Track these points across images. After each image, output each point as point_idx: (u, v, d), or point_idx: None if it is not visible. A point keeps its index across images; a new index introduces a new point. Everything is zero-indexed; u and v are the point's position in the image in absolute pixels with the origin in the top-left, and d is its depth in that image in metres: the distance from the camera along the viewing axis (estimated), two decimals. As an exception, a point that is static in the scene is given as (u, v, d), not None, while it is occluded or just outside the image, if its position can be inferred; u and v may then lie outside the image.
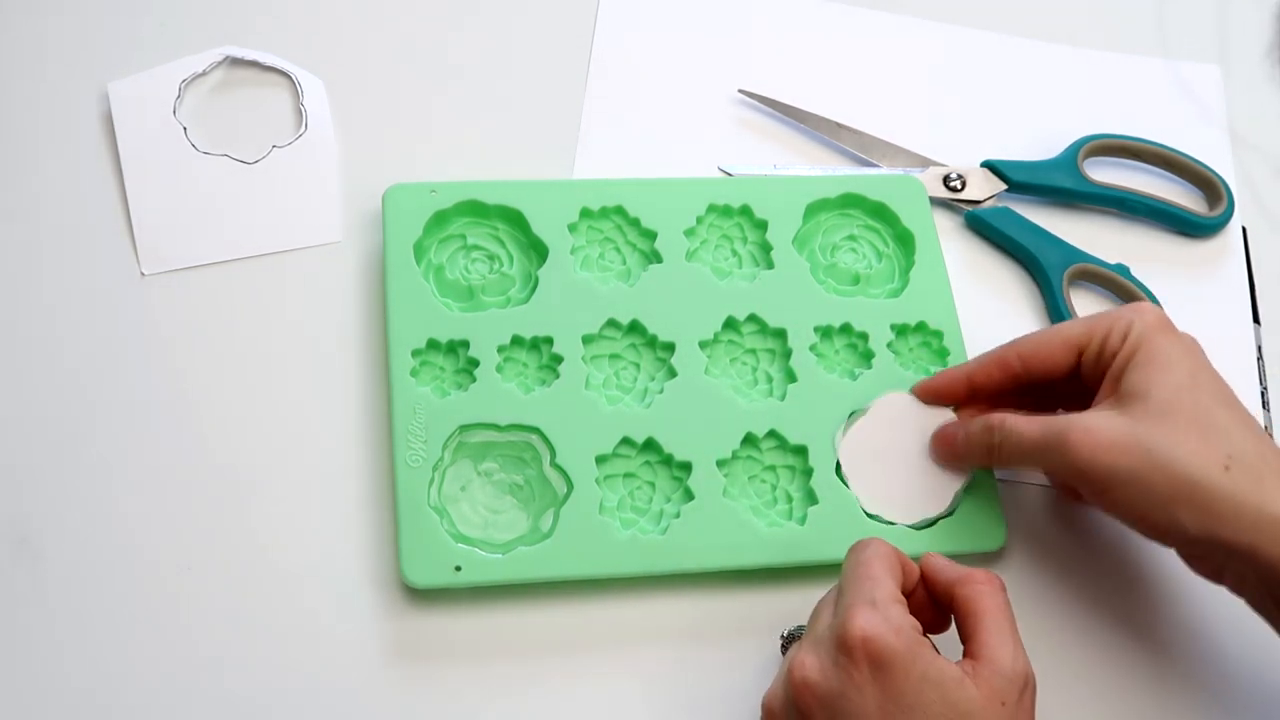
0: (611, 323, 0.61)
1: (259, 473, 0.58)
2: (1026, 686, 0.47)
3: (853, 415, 0.60)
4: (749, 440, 0.59)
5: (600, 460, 0.58)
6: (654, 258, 0.63)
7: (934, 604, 0.51)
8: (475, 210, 0.64)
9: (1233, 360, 0.65)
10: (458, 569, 0.55)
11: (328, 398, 0.60)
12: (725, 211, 0.66)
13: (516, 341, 0.60)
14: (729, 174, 0.69)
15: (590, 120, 0.70)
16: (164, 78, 0.67)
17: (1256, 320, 0.68)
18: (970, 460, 0.58)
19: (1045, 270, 0.67)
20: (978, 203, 0.69)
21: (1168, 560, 0.60)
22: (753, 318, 0.63)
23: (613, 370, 0.61)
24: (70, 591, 0.55)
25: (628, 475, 0.58)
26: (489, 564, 0.55)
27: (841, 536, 0.54)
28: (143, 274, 0.63)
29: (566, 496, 0.57)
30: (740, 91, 0.72)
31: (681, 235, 0.64)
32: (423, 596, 0.55)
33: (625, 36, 0.73)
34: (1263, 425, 0.65)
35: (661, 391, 0.60)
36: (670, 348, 0.61)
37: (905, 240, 0.66)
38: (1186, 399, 0.52)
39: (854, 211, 0.67)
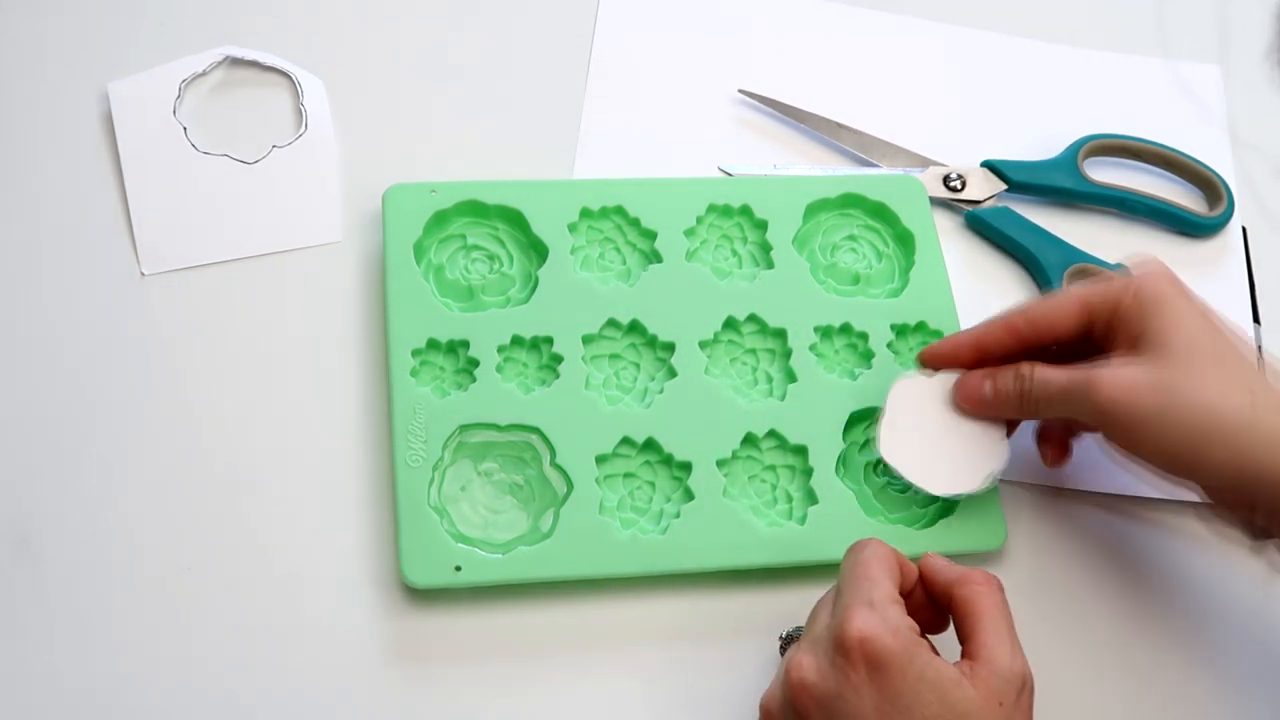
0: (611, 323, 0.61)
1: (259, 473, 0.58)
2: (1024, 687, 0.47)
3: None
4: (749, 440, 0.59)
5: (600, 460, 0.58)
6: (654, 258, 0.63)
7: (932, 604, 0.51)
8: (475, 210, 0.64)
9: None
10: (458, 569, 0.55)
11: (328, 398, 0.60)
12: (725, 211, 0.66)
13: (516, 341, 0.60)
14: (729, 174, 0.69)
15: (590, 120, 0.70)
16: (164, 78, 0.67)
17: (1256, 320, 0.68)
18: (1000, 409, 0.57)
19: (1045, 270, 0.67)
20: (978, 203, 0.69)
21: (1168, 560, 0.60)
22: (753, 318, 0.63)
23: (613, 370, 0.61)
24: (70, 591, 0.55)
25: (628, 475, 0.58)
26: (489, 564, 0.55)
27: (841, 536, 0.54)
28: (143, 274, 0.63)
29: (566, 496, 0.57)
30: (740, 91, 0.72)
31: (681, 235, 0.64)
32: (423, 596, 0.55)
33: (625, 36, 0.73)
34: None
35: (661, 391, 0.60)
36: (670, 348, 0.61)
37: (905, 240, 0.66)
38: (1205, 340, 0.53)
39: (854, 211, 0.67)
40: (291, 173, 0.66)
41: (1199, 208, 0.71)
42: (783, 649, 0.54)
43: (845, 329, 0.63)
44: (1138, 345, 0.54)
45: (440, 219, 0.63)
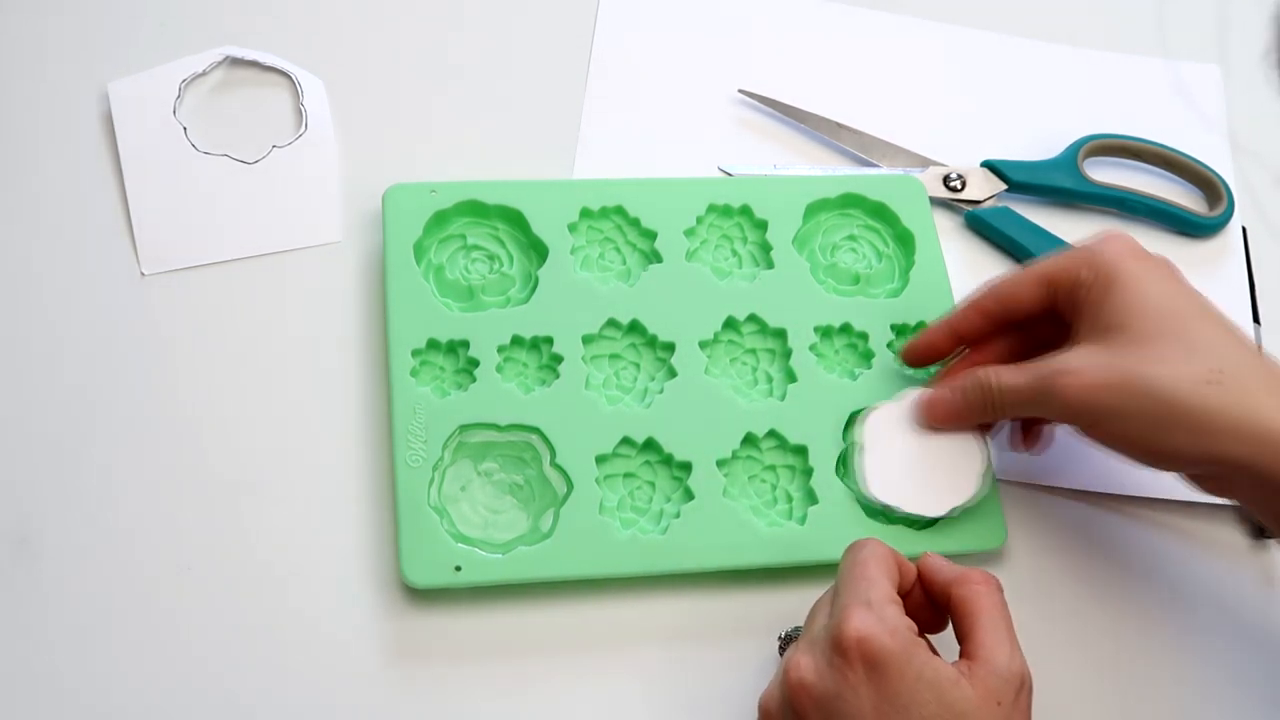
0: (611, 323, 0.61)
1: (259, 473, 0.58)
2: (1023, 686, 0.47)
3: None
4: (749, 440, 0.59)
5: (600, 460, 0.58)
6: (654, 258, 0.63)
7: (931, 604, 0.51)
8: (475, 210, 0.64)
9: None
10: (458, 569, 0.55)
11: (328, 398, 0.60)
12: (725, 211, 0.66)
13: (516, 341, 0.60)
14: (729, 174, 0.69)
15: (590, 120, 0.70)
16: (164, 78, 0.67)
17: (1256, 320, 0.68)
18: (971, 417, 0.58)
19: (1045, 270, 0.67)
20: (978, 203, 0.69)
21: (1168, 560, 0.60)
22: (753, 318, 0.63)
23: (613, 370, 0.61)
24: (70, 591, 0.55)
25: (628, 475, 0.58)
26: (489, 564, 0.55)
27: (841, 536, 0.54)
28: (143, 274, 0.63)
29: (566, 496, 0.57)
30: (740, 91, 0.72)
31: (681, 235, 0.64)
32: (423, 596, 0.55)
33: (625, 36, 0.73)
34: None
35: (661, 391, 0.60)
36: (670, 348, 0.61)
37: (905, 240, 0.66)
38: (1166, 320, 0.52)
39: (854, 211, 0.67)
40: (291, 173, 0.66)
41: (1199, 208, 0.71)
42: (782, 649, 0.54)
43: (845, 329, 0.63)
44: (1097, 324, 0.53)
45: (440, 219, 0.63)
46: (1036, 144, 0.72)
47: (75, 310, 0.61)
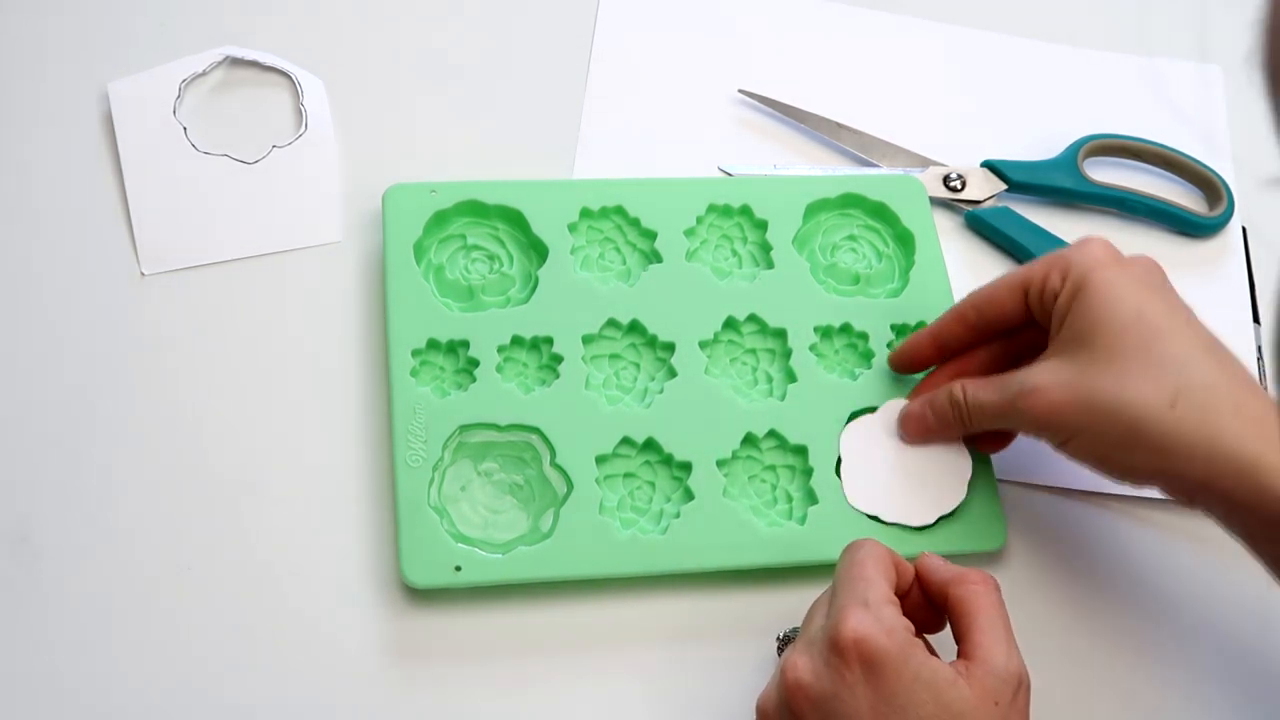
0: (611, 323, 0.61)
1: (259, 473, 0.58)
2: (1020, 686, 0.47)
3: (854, 417, 0.60)
4: (749, 440, 0.59)
5: (600, 460, 0.58)
6: (654, 258, 0.63)
7: (929, 604, 0.51)
8: (475, 210, 0.64)
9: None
10: (458, 569, 0.54)
11: (328, 398, 0.60)
12: (725, 211, 0.66)
13: (516, 341, 0.60)
14: (729, 174, 0.69)
15: (590, 120, 0.70)
16: (164, 78, 0.67)
17: (1256, 320, 0.68)
18: (944, 432, 0.58)
19: (1045, 270, 0.67)
20: (978, 203, 0.69)
21: (1168, 560, 0.60)
22: (753, 318, 0.63)
23: (613, 370, 0.61)
24: (70, 591, 0.55)
25: (628, 475, 0.58)
26: (489, 564, 0.55)
27: (841, 536, 0.54)
28: (143, 274, 0.63)
29: (566, 496, 0.57)
30: (740, 91, 0.72)
31: (681, 235, 0.64)
32: (423, 596, 0.55)
33: (625, 36, 0.73)
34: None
35: (661, 391, 0.60)
36: (670, 348, 0.61)
37: (905, 240, 0.66)
38: (1131, 337, 0.52)
39: (854, 211, 0.67)
40: (291, 173, 0.66)
41: (1199, 208, 0.71)
42: (780, 649, 0.54)
43: (845, 329, 0.63)
44: (1066, 334, 0.53)
45: (440, 219, 0.63)
46: (1036, 144, 0.72)
47: (75, 310, 0.61)
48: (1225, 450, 0.49)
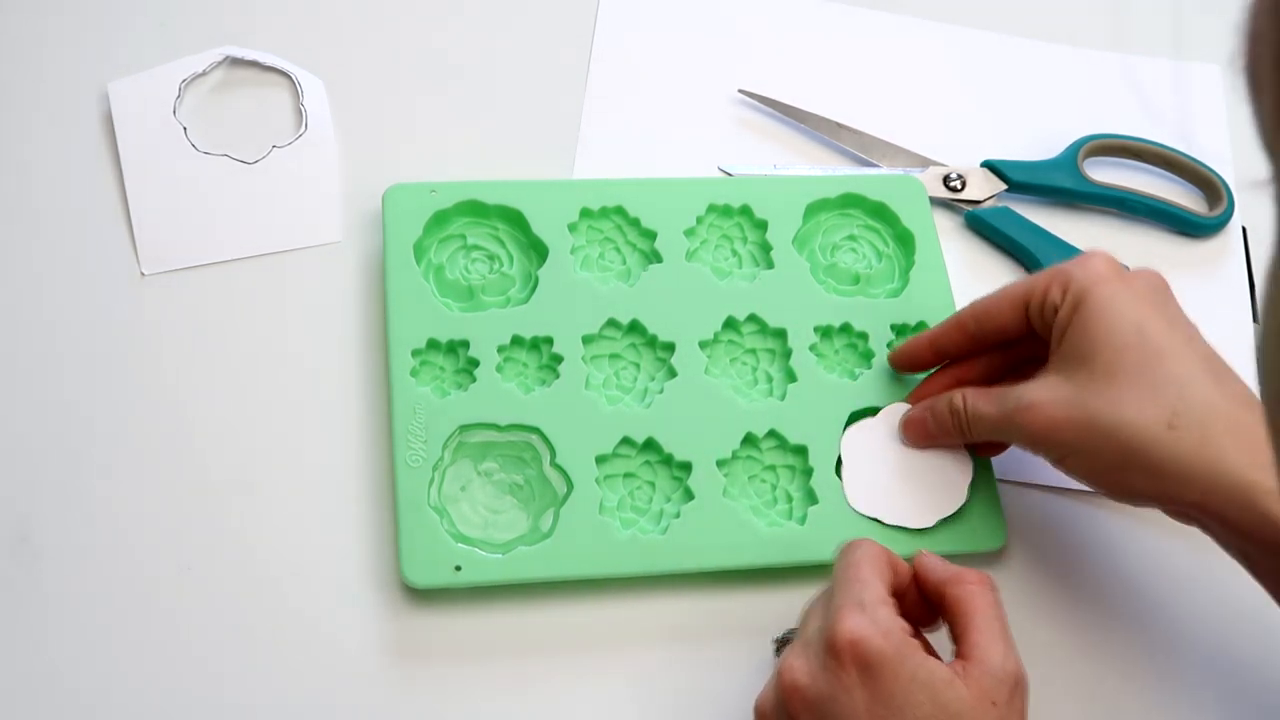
0: (611, 323, 0.61)
1: (259, 473, 0.58)
2: (1017, 686, 0.47)
3: (854, 417, 0.60)
4: (749, 440, 0.59)
5: (600, 460, 0.58)
6: (654, 258, 0.63)
7: (926, 602, 0.51)
8: (475, 210, 0.64)
9: (1232, 360, 0.65)
10: (458, 569, 0.54)
11: (328, 398, 0.60)
12: (725, 211, 0.66)
13: (516, 341, 0.60)
14: (729, 174, 0.69)
15: (590, 120, 0.70)
16: (164, 78, 0.67)
17: (1256, 320, 0.68)
18: (943, 438, 0.58)
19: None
20: (978, 203, 0.69)
21: (1168, 561, 0.60)
22: (753, 318, 0.63)
23: (613, 370, 0.61)
24: (70, 591, 0.55)
25: (628, 475, 0.58)
26: (489, 564, 0.55)
27: (841, 537, 0.54)
28: (143, 274, 0.63)
29: (566, 496, 0.57)
30: (740, 91, 0.72)
31: (681, 235, 0.64)
32: (423, 596, 0.55)
33: (625, 36, 0.73)
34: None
35: (661, 391, 0.60)
36: (670, 348, 0.61)
37: (905, 240, 0.66)
38: (1131, 356, 0.51)
39: (854, 211, 0.67)
40: (291, 173, 0.66)
41: (1199, 208, 0.71)
42: (777, 651, 0.54)
43: (845, 329, 0.63)
44: (1065, 350, 0.53)
45: (440, 219, 0.63)
46: (1036, 144, 0.72)
47: (75, 310, 0.61)
48: (1223, 474, 0.49)
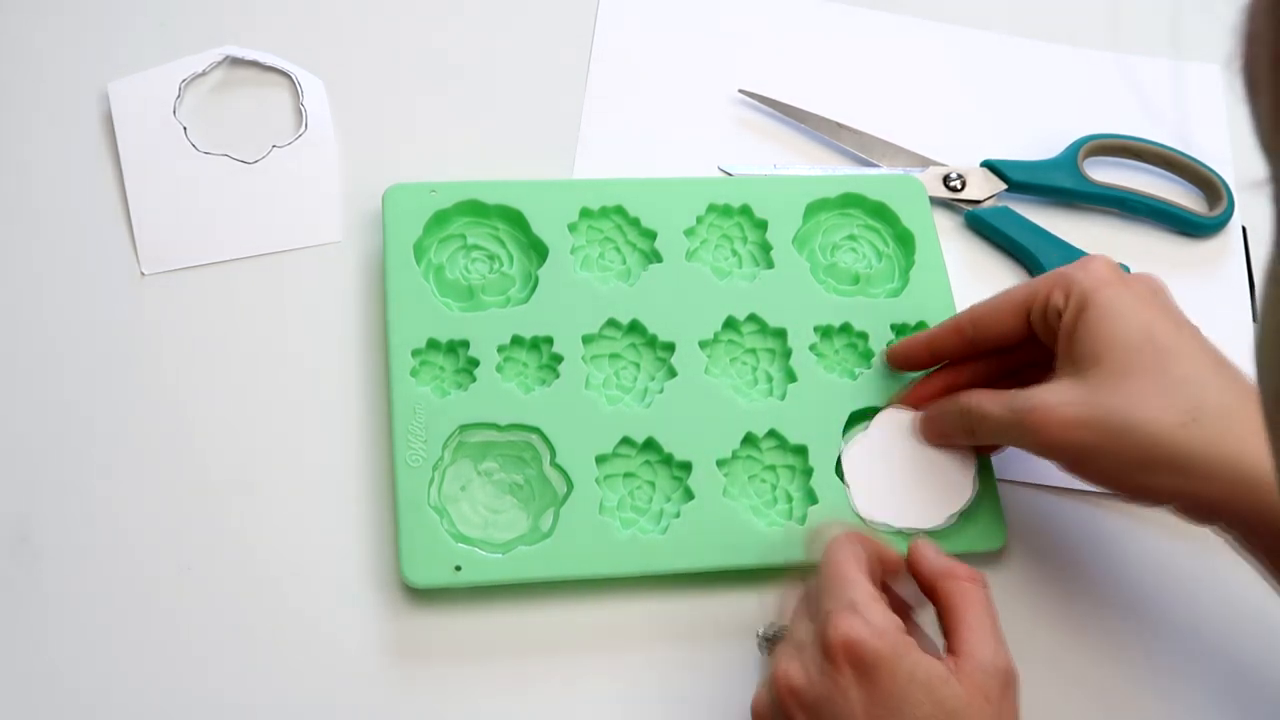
0: (611, 322, 0.61)
1: (259, 473, 0.58)
2: (1009, 682, 0.47)
3: (851, 431, 0.60)
4: (749, 440, 0.59)
5: (600, 460, 0.58)
6: (654, 257, 0.63)
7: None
8: (475, 210, 0.64)
9: (1232, 360, 0.65)
10: (458, 569, 0.54)
11: (328, 398, 0.60)
12: (725, 211, 0.66)
13: (516, 341, 0.60)
14: (729, 174, 0.69)
15: (590, 120, 0.70)
16: (164, 78, 0.67)
17: (1256, 320, 0.68)
18: (957, 439, 0.58)
19: (1045, 270, 0.66)
20: (978, 202, 0.69)
21: (1168, 560, 0.60)
22: (753, 317, 0.63)
23: (613, 370, 0.61)
24: (70, 591, 0.55)
25: (628, 475, 0.58)
26: (489, 564, 0.55)
27: (841, 536, 0.54)
28: (143, 274, 0.63)
29: (566, 496, 0.57)
30: (740, 91, 0.72)
31: (681, 235, 0.64)
32: (423, 596, 0.55)
33: (625, 36, 0.73)
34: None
35: (661, 391, 0.60)
36: (670, 347, 0.61)
37: (905, 240, 0.66)
38: (1143, 357, 0.51)
39: (854, 211, 0.67)
40: (291, 173, 0.66)
41: (1199, 208, 0.71)
42: (761, 646, 0.54)
43: (845, 329, 0.63)
44: (1073, 355, 0.53)
45: (440, 219, 0.63)
46: (1036, 144, 0.72)
47: (75, 310, 0.61)
48: (1245, 469, 0.49)
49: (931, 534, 0.58)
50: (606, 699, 0.55)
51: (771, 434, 0.60)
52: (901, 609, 0.49)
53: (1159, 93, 0.75)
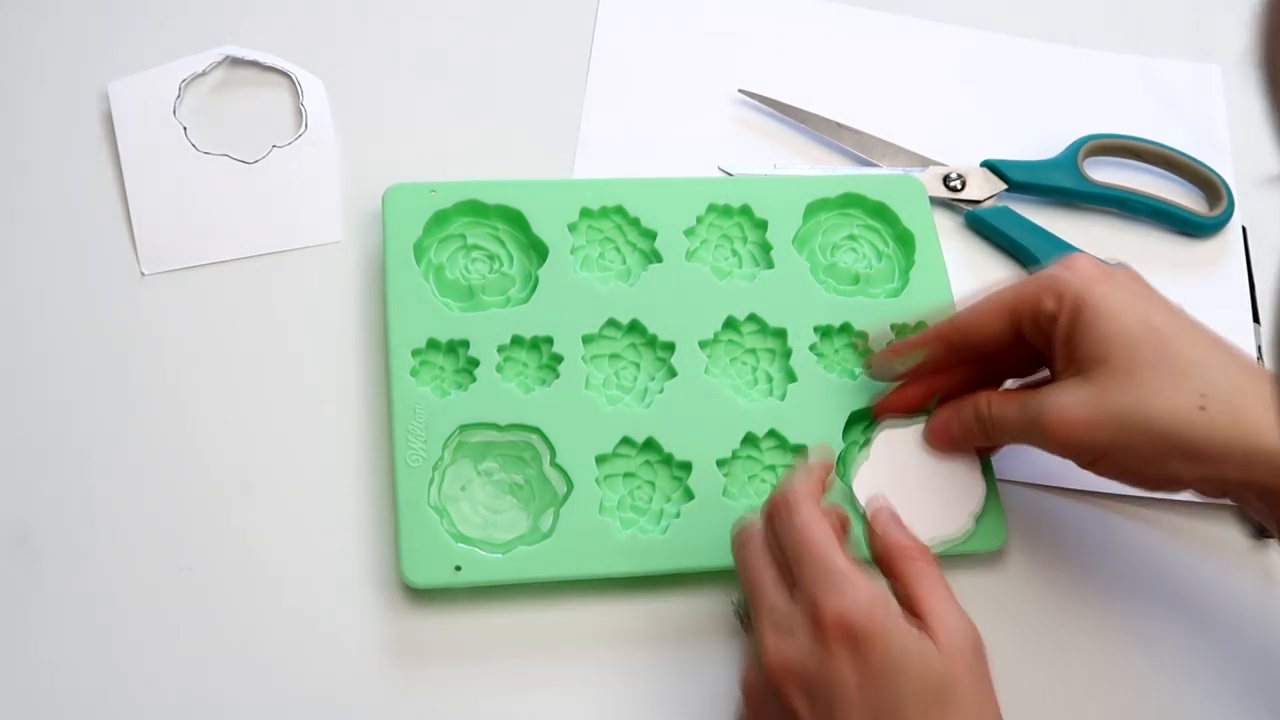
0: (611, 322, 0.61)
1: (259, 473, 0.58)
2: (980, 647, 0.48)
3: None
4: (749, 440, 0.59)
5: (600, 460, 0.58)
6: (654, 257, 0.63)
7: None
8: (475, 210, 0.64)
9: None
10: (458, 569, 0.54)
11: (328, 398, 0.60)
12: (725, 211, 0.66)
13: (516, 341, 0.60)
14: (729, 174, 0.69)
15: (590, 120, 0.70)
16: (164, 78, 0.67)
17: (1256, 320, 0.68)
18: (970, 444, 0.58)
19: (1045, 270, 0.67)
20: (978, 202, 0.69)
21: (1168, 560, 0.60)
22: (753, 317, 0.63)
23: (613, 370, 0.61)
24: (70, 591, 0.55)
25: (628, 475, 0.58)
26: (489, 564, 0.55)
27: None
28: (143, 274, 0.63)
29: (566, 496, 0.57)
30: (740, 91, 0.72)
31: (681, 235, 0.64)
32: (423, 596, 0.55)
33: (625, 36, 0.73)
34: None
35: (661, 391, 0.60)
36: (670, 347, 0.61)
37: (905, 240, 0.66)
38: (1147, 346, 0.51)
39: (854, 211, 0.67)
40: (291, 173, 0.66)
41: (1199, 208, 0.71)
42: (737, 613, 0.53)
43: (845, 329, 0.63)
44: (1076, 356, 0.52)
45: (440, 219, 0.63)
46: (1036, 144, 0.72)
47: (75, 310, 0.61)
48: (1261, 446, 0.49)
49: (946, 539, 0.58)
50: (606, 699, 0.55)
51: (771, 434, 0.60)
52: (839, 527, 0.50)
53: (1158, 92, 0.75)
